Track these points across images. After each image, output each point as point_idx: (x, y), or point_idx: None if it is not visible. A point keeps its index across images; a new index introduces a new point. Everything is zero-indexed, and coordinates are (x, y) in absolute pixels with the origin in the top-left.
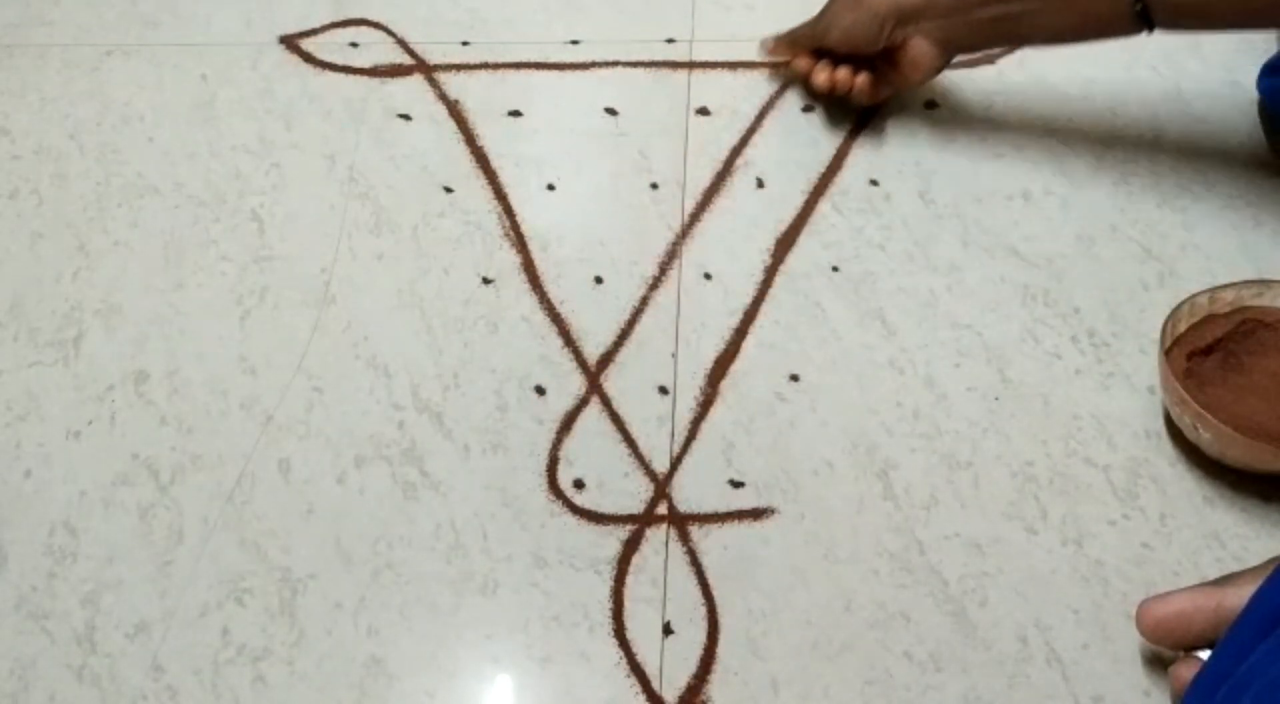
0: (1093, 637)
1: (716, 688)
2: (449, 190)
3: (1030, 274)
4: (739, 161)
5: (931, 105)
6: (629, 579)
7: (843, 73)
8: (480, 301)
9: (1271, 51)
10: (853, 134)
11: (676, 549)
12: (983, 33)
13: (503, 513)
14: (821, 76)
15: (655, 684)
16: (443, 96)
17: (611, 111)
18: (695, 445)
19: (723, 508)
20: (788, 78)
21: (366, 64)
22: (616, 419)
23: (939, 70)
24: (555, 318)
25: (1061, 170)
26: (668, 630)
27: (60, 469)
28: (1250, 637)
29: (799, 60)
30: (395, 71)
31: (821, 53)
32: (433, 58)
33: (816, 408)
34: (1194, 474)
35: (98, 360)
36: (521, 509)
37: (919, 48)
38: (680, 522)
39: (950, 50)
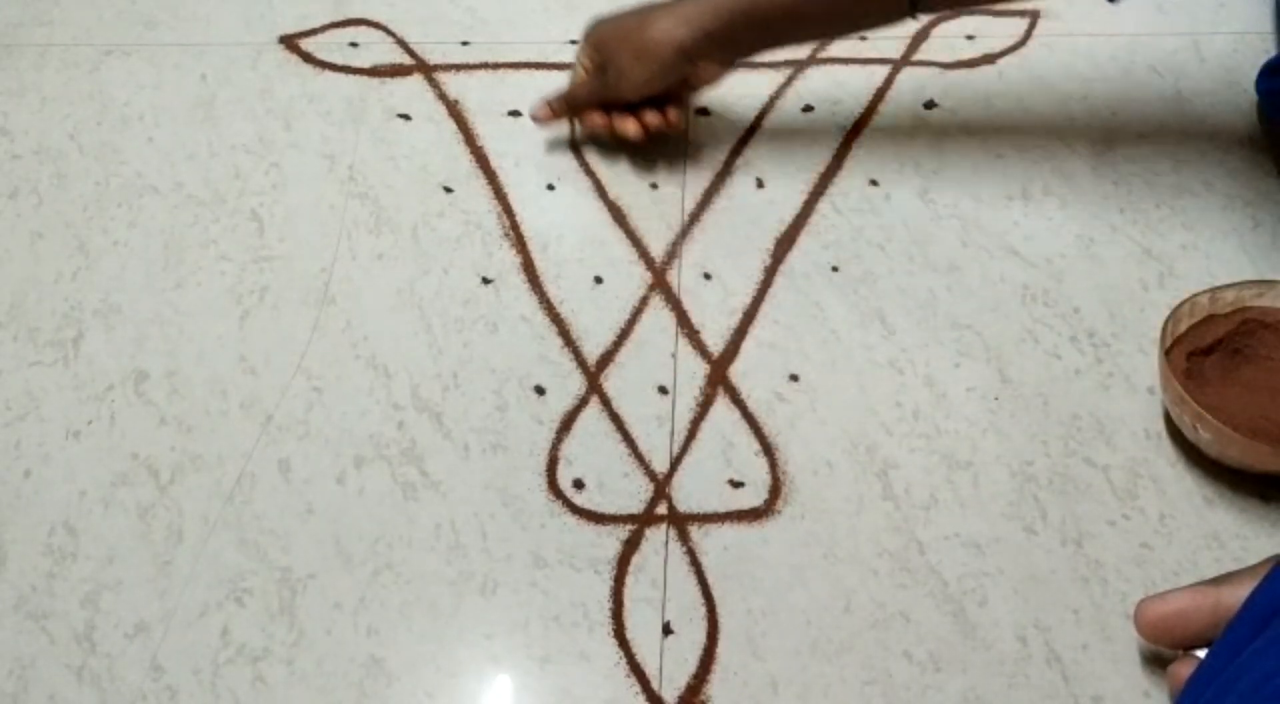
0: (1093, 637)
1: (716, 688)
2: (449, 190)
3: (1030, 274)
4: (739, 161)
5: (931, 105)
6: (629, 579)
7: (651, 117)
8: (480, 301)
9: (1271, 52)
10: (853, 134)
11: (676, 549)
12: (762, 43)
13: (502, 513)
14: (631, 127)
15: (655, 684)
16: (443, 96)
17: None
18: (695, 445)
19: (722, 508)
20: (582, 137)
21: (366, 64)
22: (616, 419)
23: (725, 76)
24: (555, 318)
25: (1061, 170)
26: (668, 630)
27: (60, 469)
28: (1245, 635)
29: (591, 117)
30: (395, 71)
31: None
32: (433, 58)
33: (816, 408)
34: (1194, 474)
35: (97, 360)
36: (521, 509)
37: (707, 70)
38: (680, 521)
39: (734, 61)
